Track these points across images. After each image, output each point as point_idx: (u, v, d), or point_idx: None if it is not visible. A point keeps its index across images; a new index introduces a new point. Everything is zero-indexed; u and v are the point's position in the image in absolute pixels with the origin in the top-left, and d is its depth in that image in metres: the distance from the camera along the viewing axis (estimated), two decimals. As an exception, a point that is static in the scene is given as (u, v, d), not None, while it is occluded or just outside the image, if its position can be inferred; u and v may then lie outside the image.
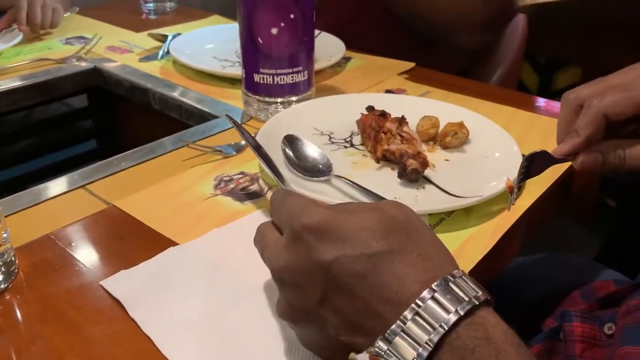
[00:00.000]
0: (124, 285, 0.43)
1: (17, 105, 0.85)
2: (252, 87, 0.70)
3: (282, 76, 0.68)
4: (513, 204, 0.52)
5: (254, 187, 0.58)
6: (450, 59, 1.05)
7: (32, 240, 0.49)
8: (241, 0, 0.65)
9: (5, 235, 0.44)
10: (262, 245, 0.38)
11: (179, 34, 0.97)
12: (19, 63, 0.89)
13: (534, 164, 0.50)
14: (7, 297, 0.43)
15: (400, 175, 0.57)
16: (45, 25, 1.02)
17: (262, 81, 0.69)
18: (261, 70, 0.68)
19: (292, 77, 0.69)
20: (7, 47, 0.92)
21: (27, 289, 0.44)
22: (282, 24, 0.65)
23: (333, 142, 0.66)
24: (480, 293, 0.31)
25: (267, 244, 0.37)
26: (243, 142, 0.65)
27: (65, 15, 1.09)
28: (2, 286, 0.43)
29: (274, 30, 0.65)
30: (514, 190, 0.52)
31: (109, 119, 1.01)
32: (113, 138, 1.03)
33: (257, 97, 0.70)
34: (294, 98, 0.71)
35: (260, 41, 0.66)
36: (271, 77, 0.68)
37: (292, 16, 0.65)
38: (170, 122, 0.81)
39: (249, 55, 0.68)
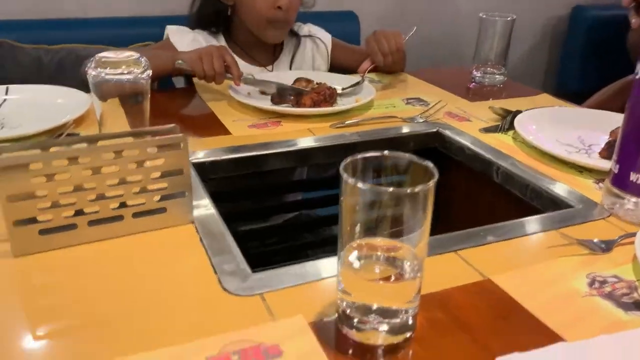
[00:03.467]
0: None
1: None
2: (624, 184, 0.67)
3: (664, 180, 0.64)
4: None
5: (635, 296, 0.54)
6: None
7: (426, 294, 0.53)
8: (636, 99, 0.63)
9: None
10: None
11: (519, 111, 0.98)
12: (373, 117, 1.00)
13: None
14: (406, 345, 0.47)
15: None
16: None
17: (638, 181, 0.65)
18: (641, 169, 0.65)
19: (677, 182, 0.64)
20: (364, 102, 1.04)
21: (422, 342, 0.48)
22: (683, 128, 0.61)
23: None
24: None
25: None
26: (614, 239, 0.62)
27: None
28: (408, 335, 0.48)
29: (672, 134, 0.62)
30: None
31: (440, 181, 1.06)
32: (441, 199, 1.07)
33: (628, 195, 0.67)
34: (670, 204, 0.65)
35: (651, 142, 0.63)
36: (651, 178, 0.64)
37: (697, 122, 0.61)
38: (509, 198, 0.82)
39: (630, 152, 0.65)
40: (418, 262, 0.47)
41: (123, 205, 0.60)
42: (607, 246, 0.62)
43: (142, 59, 0.76)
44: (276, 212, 1.10)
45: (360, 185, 0.43)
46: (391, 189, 0.42)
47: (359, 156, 0.47)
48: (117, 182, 0.60)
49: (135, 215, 0.61)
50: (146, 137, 0.61)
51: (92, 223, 0.59)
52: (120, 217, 0.60)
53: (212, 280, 0.54)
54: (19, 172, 0.55)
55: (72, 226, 0.58)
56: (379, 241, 0.47)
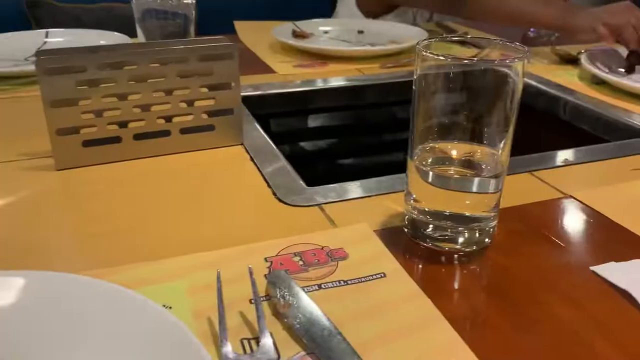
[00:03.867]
0: (621, 276, 0.39)
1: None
2: None
3: None
4: None
5: None
6: None
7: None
8: None
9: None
10: None
11: (585, 51, 0.91)
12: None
13: None
14: (484, 252, 0.42)
15: None
16: None
17: None
18: None
19: None
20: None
21: (501, 249, 0.43)
22: None
23: None
24: None
25: None
26: None
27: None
28: (485, 243, 0.43)
29: None
30: None
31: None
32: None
33: None
34: None
35: None
36: None
37: None
38: (578, 134, 0.76)
39: None
40: (499, 165, 0.41)
41: (169, 120, 0.57)
42: (700, 168, 0.55)
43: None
44: (319, 157, 1.05)
45: (438, 56, 0.38)
46: (476, 58, 0.37)
47: (438, 37, 0.42)
48: (163, 93, 0.56)
49: (183, 131, 0.57)
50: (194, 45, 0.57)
51: (137, 137, 0.56)
52: (167, 133, 0.57)
53: (267, 194, 0.50)
54: (62, 76, 0.52)
55: (117, 139, 0.55)
56: (456, 144, 0.42)
